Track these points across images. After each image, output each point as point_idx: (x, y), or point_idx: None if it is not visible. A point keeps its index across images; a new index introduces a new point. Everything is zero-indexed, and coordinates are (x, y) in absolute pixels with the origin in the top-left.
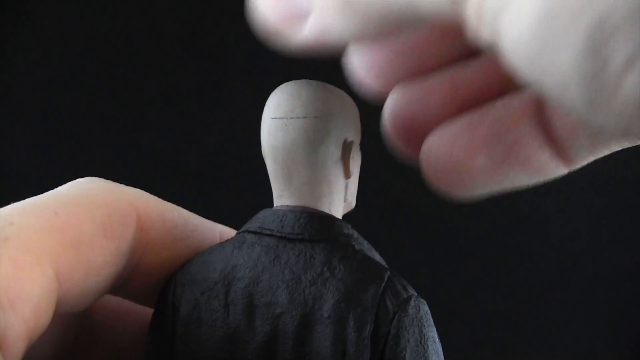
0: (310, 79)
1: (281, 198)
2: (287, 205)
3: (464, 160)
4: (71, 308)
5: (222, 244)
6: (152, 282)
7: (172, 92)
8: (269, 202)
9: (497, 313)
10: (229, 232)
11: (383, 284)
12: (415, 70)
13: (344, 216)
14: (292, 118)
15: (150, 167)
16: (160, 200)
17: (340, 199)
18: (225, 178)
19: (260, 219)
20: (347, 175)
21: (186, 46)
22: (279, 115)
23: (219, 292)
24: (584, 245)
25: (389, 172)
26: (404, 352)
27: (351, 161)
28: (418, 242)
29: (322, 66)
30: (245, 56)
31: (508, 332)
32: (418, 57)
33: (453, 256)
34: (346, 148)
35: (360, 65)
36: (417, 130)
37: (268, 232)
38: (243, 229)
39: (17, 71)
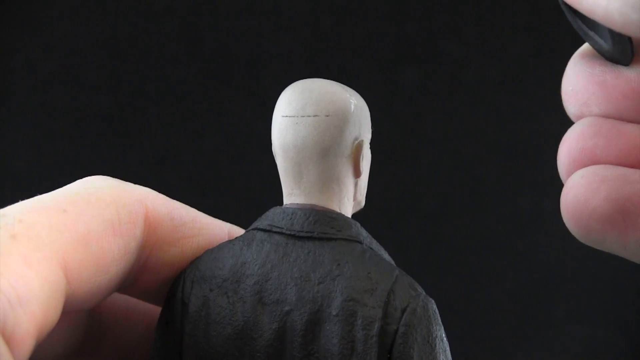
0: (320, 78)
1: (291, 196)
2: (297, 204)
3: None
4: (79, 306)
5: (232, 241)
6: (160, 280)
7: (172, 92)
8: (269, 201)
9: (497, 313)
10: (237, 231)
11: (391, 283)
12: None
13: (352, 215)
14: (303, 116)
15: (151, 167)
16: (168, 198)
17: (350, 197)
18: (225, 178)
19: (270, 217)
20: (358, 174)
21: (186, 46)
22: (290, 113)
23: (228, 289)
24: (584, 245)
25: (388, 172)
26: (412, 350)
27: (361, 160)
28: (418, 242)
29: (322, 67)
30: (245, 56)
31: (508, 332)
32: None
33: (453, 256)
34: (357, 147)
35: (578, 81)
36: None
37: (277, 229)
38: (253, 226)
39: (17, 71)
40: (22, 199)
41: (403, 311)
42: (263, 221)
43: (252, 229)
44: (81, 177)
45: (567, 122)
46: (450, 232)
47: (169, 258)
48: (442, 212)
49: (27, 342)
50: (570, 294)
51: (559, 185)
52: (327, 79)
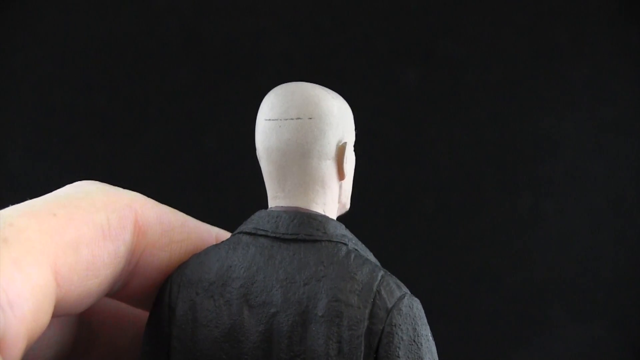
0: (304, 81)
1: (276, 199)
2: (282, 206)
3: None
4: (70, 309)
5: (218, 246)
6: (150, 285)
7: (172, 92)
8: (268, 202)
9: (497, 313)
10: (225, 235)
11: (376, 283)
12: None
13: (345, 217)
14: (286, 119)
15: (150, 167)
16: (157, 203)
17: (334, 200)
18: (225, 178)
19: (255, 220)
20: (342, 176)
21: (186, 46)
22: (273, 116)
23: (214, 293)
24: (584, 245)
25: (388, 172)
26: (398, 350)
27: (345, 162)
28: (418, 242)
29: (322, 67)
30: (245, 56)
31: (508, 332)
32: None
33: (453, 256)
34: (340, 149)
35: None
36: None
37: (262, 232)
38: (238, 230)
39: (17, 71)
40: (21, 198)
41: (389, 311)
42: (248, 225)
43: (238, 233)
44: (80, 177)
45: (566, 122)
46: (450, 232)
47: (158, 262)
48: (442, 212)
49: (17, 345)
50: (570, 294)
51: (559, 185)
52: (327, 79)
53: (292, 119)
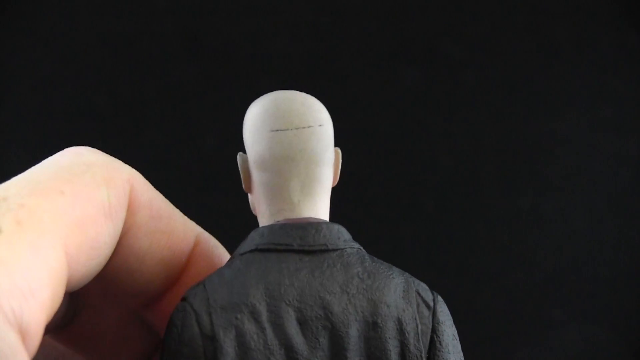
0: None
1: (282, 212)
2: (293, 218)
3: None
4: (71, 289)
5: (231, 265)
6: (123, 270)
7: (172, 92)
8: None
9: (497, 313)
10: (206, 236)
11: (413, 284)
12: None
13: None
14: (297, 128)
15: (150, 167)
16: (152, 187)
17: (329, 205)
18: (225, 179)
19: (265, 236)
20: (335, 181)
21: (186, 46)
22: (282, 126)
23: (256, 314)
24: (584, 245)
25: (389, 172)
26: (448, 347)
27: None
28: (418, 242)
29: (322, 67)
30: (245, 56)
31: (508, 331)
32: None
33: (453, 256)
34: (337, 155)
35: None
36: None
37: (285, 247)
38: (248, 249)
39: (17, 71)
40: None
41: (432, 310)
42: (257, 241)
43: (249, 251)
44: None
45: (566, 122)
46: (450, 232)
47: (137, 247)
48: (442, 212)
49: (39, 333)
50: (570, 294)
51: (559, 185)
52: (327, 79)
53: (303, 127)
